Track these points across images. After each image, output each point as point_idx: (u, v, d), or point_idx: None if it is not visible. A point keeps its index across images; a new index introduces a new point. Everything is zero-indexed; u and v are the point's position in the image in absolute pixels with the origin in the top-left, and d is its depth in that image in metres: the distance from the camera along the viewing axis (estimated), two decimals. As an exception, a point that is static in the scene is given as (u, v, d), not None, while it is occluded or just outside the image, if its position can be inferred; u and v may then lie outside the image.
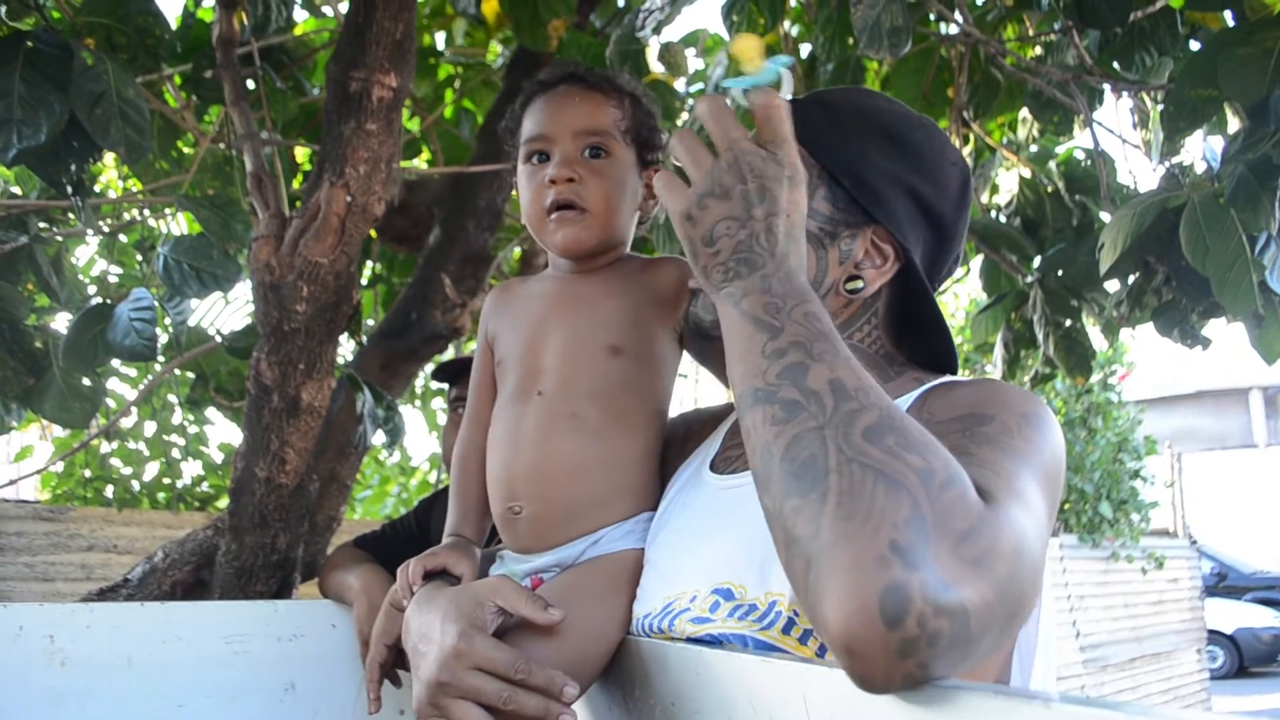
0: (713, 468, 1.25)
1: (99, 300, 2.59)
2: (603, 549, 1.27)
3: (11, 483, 4.92)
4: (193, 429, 5.54)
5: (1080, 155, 3.51)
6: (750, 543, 1.10)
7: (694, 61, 3.86)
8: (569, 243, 1.31)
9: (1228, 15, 2.51)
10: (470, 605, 1.13)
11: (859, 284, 1.17)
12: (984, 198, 3.64)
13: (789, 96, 1.08)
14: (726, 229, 0.98)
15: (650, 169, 1.40)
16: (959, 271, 4.02)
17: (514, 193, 3.69)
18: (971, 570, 0.72)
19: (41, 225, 2.79)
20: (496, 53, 3.81)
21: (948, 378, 1.14)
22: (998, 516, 0.79)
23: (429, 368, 3.53)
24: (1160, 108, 2.41)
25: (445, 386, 2.48)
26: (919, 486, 0.75)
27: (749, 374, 0.90)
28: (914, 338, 1.25)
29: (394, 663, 1.46)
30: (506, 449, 1.30)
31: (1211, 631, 11.88)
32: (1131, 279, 2.76)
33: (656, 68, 3.45)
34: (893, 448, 0.78)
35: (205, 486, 5.82)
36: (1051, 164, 3.46)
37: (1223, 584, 14.38)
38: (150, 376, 4.57)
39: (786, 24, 3.30)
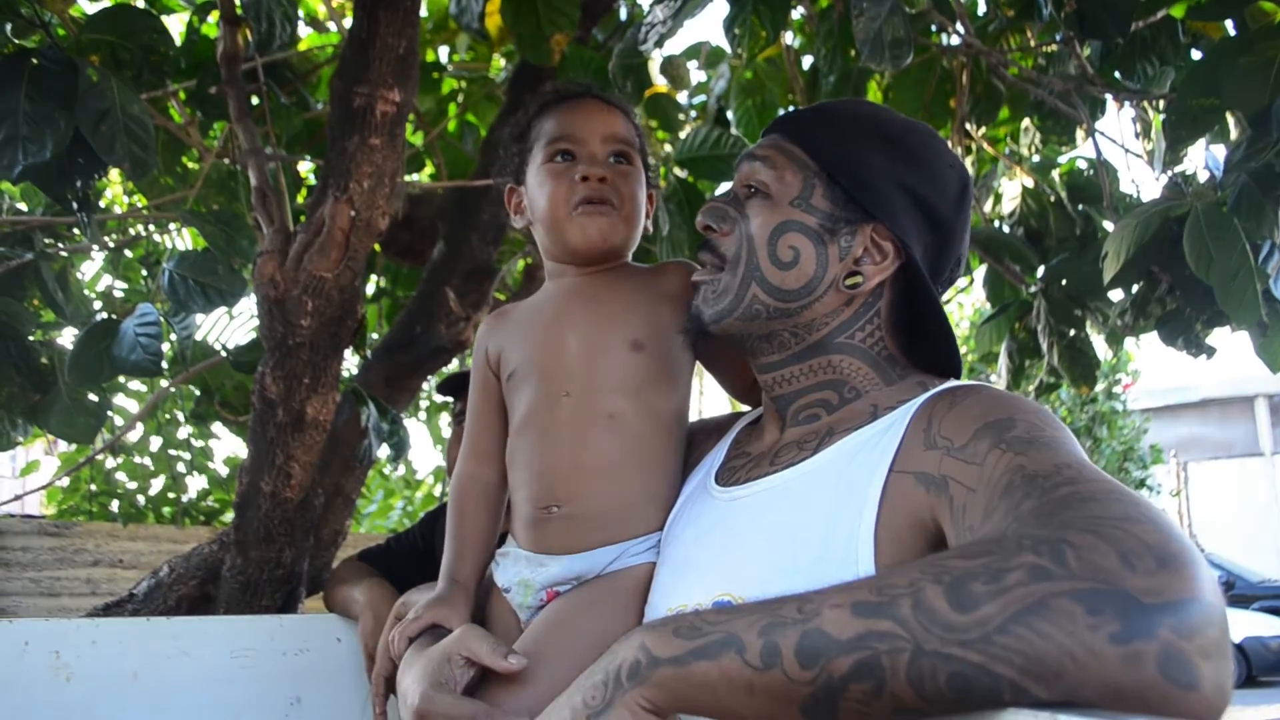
0: (717, 479, 1.26)
1: (104, 316, 2.59)
2: (623, 564, 1.26)
3: (17, 498, 4.93)
4: (198, 444, 5.55)
5: (1083, 165, 3.51)
6: (748, 556, 1.10)
7: (696, 75, 3.87)
8: (597, 237, 1.32)
9: (1229, 24, 2.51)
10: (437, 662, 1.14)
11: (858, 279, 1.18)
12: (987, 208, 3.64)
13: None
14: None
15: (648, 191, 1.42)
16: (963, 281, 4.02)
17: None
18: (1164, 575, 0.66)
19: (47, 241, 2.79)
20: (499, 67, 3.82)
21: (950, 384, 1.14)
22: (1109, 514, 0.73)
23: (433, 381, 3.54)
24: (1162, 117, 2.41)
25: (450, 400, 2.48)
26: (1046, 582, 0.67)
27: (777, 698, 0.73)
28: (919, 342, 1.25)
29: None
30: (541, 452, 1.29)
31: (1220, 641, 11.75)
32: (1135, 288, 2.76)
33: (659, 81, 3.46)
34: (989, 587, 0.69)
35: (210, 501, 5.82)
36: (1054, 174, 3.46)
37: (1230, 593, 14.30)
38: (156, 391, 4.58)
39: (788, 36, 3.31)
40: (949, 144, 1.31)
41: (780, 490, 1.13)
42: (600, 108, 1.38)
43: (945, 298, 1.30)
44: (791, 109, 1.28)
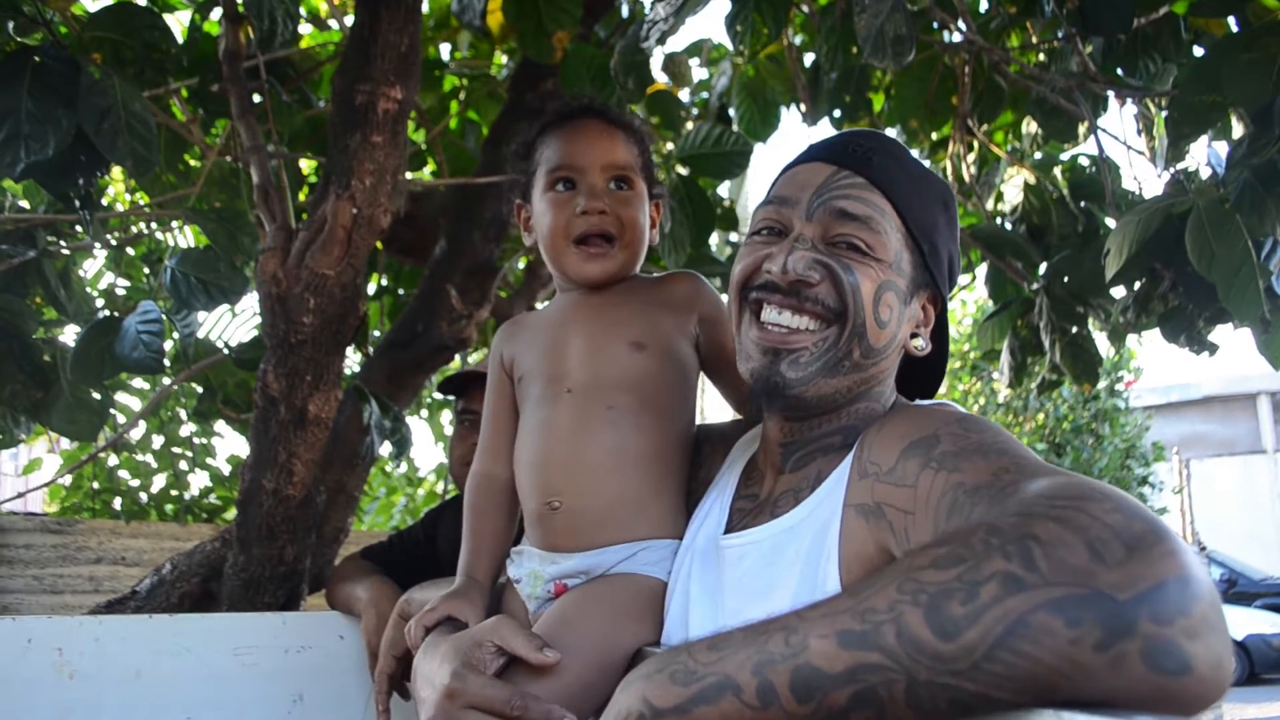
0: (727, 520, 1.25)
1: (107, 313, 2.60)
2: (634, 568, 1.27)
3: (20, 495, 4.93)
4: (200, 441, 5.55)
5: (1085, 162, 3.51)
6: (742, 609, 1.12)
7: (698, 72, 3.87)
8: (595, 274, 1.35)
9: (1231, 21, 2.51)
10: (468, 646, 1.14)
11: (919, 342, 1.20)
12: (989, 205, 3.64)
13: None
14: None
15: (654, 202, 1.44)
16: (965, 278, 4.02)
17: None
18: (1135, 563, 0.65)
19: (49, 239, 2.79)
20: (501, 64, 3.82)
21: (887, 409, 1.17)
22: (1064, 494, 0.73)
23: (435, 380, 3.53)
24: (1164, 114, 2.40)
25: (453, 398, 2.48)
26: (1020, 594, 0.66)
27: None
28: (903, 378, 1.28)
29: (402, 674, 1.47)
30: (541, 445, 1.32)
31: (1222, 638, 11.71)
32: (1138, 285, 2.76)
33: (661, 78, 3.46)
34: (967, 608, 0.68)
35: (213, 498, 5.82)
36: (1056, 171, 3.46)
37: (1232, 590, 14.29)
38: (158, 389, 4.58)
39: (790, 33, 3.31)
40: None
41: (771, 544, 1.14)
42: (600, 131, 1.39)
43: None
44: (846, 133, 1.24)
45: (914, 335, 1.20)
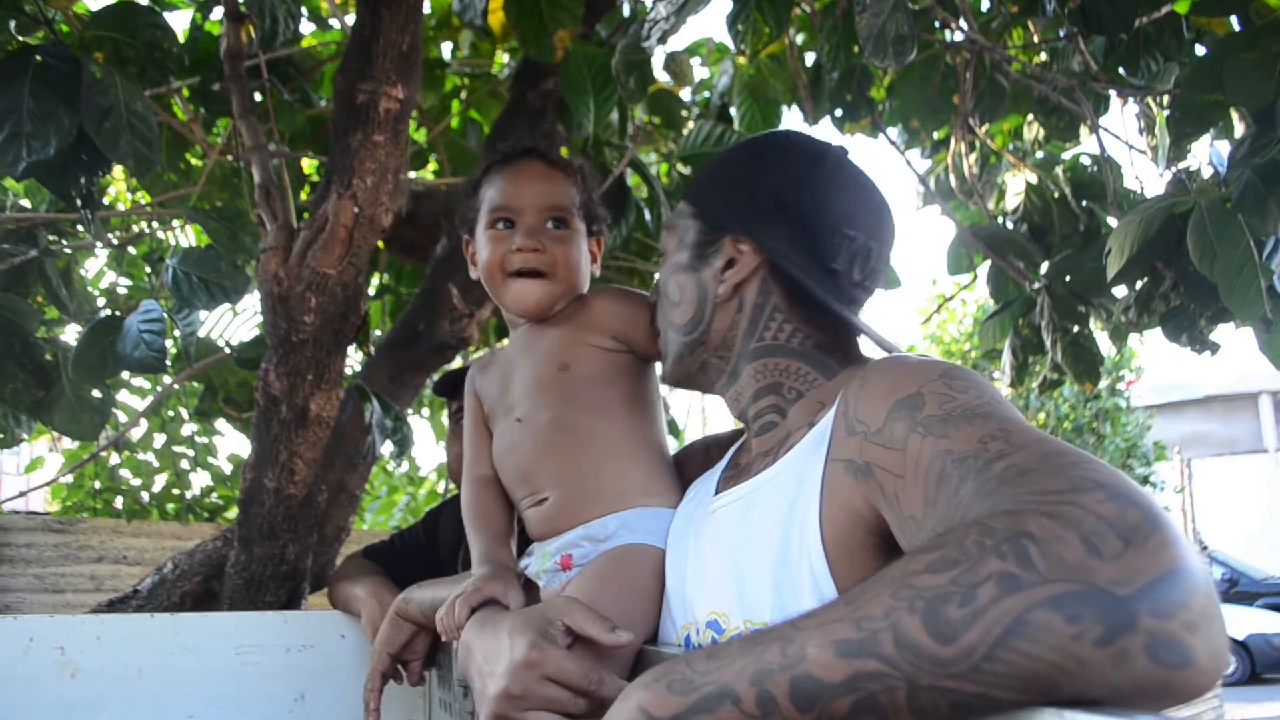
0: (715, 490, 1.30)
1: (108, 312, 2.60)
2: (635, 537, 1.31)
3: (21, 494, 4.95)
4: (202, 440, 5.56)
5: (1086, 161, 3.51)
6: (727, 569, 1.14)
7: (699, 71, 3.87)
8: (530, 304, 1.46)
9: (1233, 20, 2.51)
10: (540, 621, 1.14)
11: (722, 286, 1.28)
12: (990, 204, 3.64)
13: None
14: None
15: (594, 239, 1.54)
16: (966, 278, 4.01)
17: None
18: (1132, 556, 0.65)
19: (51, 238, 2.80)
20: (502, 63, 3.82)
21: (866, 362, 1.17)
22: (1056, 487, 0.72)
23: (436, 378, 3.53)
24: (1166, 113, 2.40)
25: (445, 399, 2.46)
26: (1018, 593, 0.65)
27: None
28: (833, 325, 1.28)
29: (394, 674, 1.58)
30: (512, 464, 1.43)
31: (1223, 638, 11.69)
32: (1139, 284, 2.76)
33: (662, 77, 3.46)
34: (964, 610, 0.67)
35: (214, 497, 5.83)
36: (1058, 170, 3.46)
37: (1234, 590, 14.29)
38: (159, 388, 4.58)
39: (791, 32, 3.31)
40: (814, 137, 1.38)
41: (747, 500, 1.18)
42: (540, 173, 1.48)
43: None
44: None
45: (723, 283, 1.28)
